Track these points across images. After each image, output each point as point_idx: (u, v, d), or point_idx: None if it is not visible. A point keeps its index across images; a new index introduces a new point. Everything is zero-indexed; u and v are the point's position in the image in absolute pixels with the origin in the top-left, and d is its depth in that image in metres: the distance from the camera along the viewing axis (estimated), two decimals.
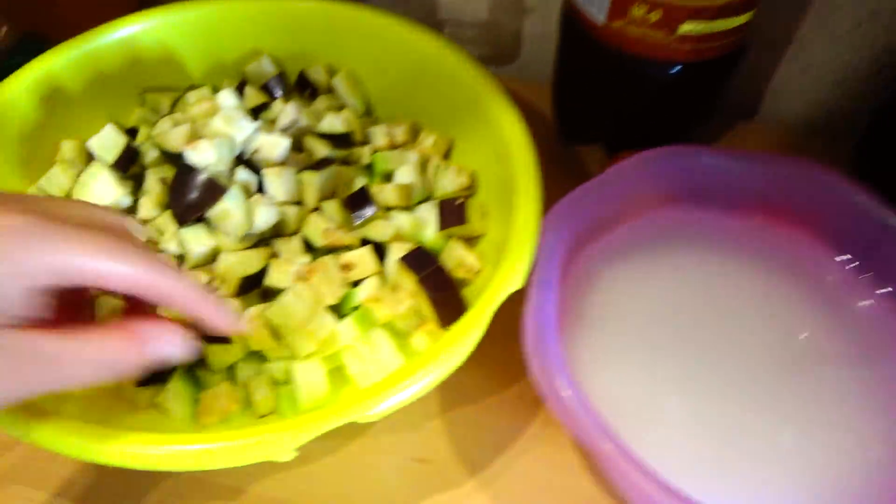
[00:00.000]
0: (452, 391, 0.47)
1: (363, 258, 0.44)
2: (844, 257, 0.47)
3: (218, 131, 0.44)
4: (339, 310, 0.44)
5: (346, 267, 0.44)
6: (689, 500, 0.32)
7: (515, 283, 0.38)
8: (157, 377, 0.42)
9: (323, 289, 0.43)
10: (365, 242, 0.46)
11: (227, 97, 0.47)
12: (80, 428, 0.33)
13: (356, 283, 0.44)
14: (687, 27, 0.45)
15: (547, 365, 0.36)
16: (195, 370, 0.42)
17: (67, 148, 0.48)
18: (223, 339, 0.40)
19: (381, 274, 0.45)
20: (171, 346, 0.30)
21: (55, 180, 0.46)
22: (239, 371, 0.43)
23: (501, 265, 0.39)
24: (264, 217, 0.44)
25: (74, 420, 0.34)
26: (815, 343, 0.45)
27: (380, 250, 0.46)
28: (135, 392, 0.41)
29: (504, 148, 0.45)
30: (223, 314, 0.32)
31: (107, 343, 0.29)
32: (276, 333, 0.42)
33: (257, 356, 0.43)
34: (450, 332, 0.36)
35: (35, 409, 0.33)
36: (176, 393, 0.41)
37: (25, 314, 0.27)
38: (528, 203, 0.41)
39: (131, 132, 0.51)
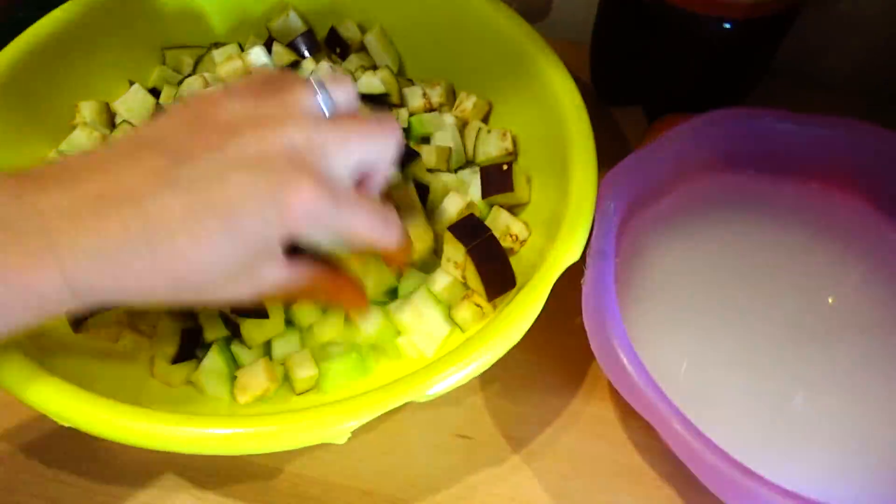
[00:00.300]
0: (493, 366, 0.45)
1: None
2: None
3: None
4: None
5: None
6: (760, 477, 0.31)
7: (574, 255, 0.36)
8: (190, 354, 0.40)
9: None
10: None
11: (258, 55, 0.44)
12: (127, 411, 0.31)
13: None
14: None
15: (610, 340, 0.34)
16: (230, 346, 0.40)
17: (87, 109, 0.45)
18: (259, 314, 0.38)
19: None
20: None
21: (77, 143, 0.43)
22: (276, 347, 0.41)
23: (559, 236, 0.37)
24: None
25: (112, 400, 0.32)
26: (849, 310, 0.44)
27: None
28: (169, 370, 0.39)
29: (553, 110, 0.42)
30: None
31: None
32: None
33: (295, 331, 0.41)
34: (511, 307, 0.34)
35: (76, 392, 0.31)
36: (213, 370, 0.39)
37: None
38: (584, 170, 0.39)
39: (152, 92, 0.48)
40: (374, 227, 0.31)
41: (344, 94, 0.32)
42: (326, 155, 0.29)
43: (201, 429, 0.31)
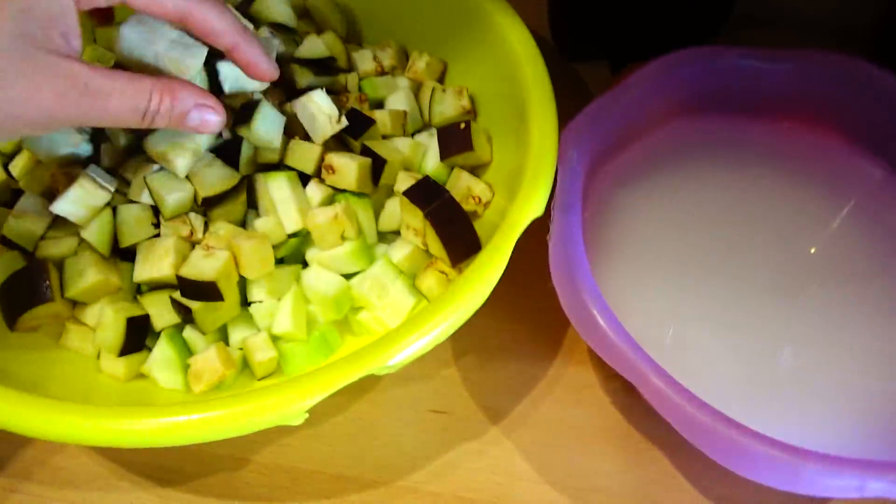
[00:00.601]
0: (464, 336, 0.43)
1: (348, 165, 0.39)
2: (880, 165, 0.43)
3: (171, 63, 0.38)
4: None
5: (328, 168, 0.39)
6: (738, 425, 0.29)
7: (537, 210, 0.34)
8: (139, 344, 0.37)
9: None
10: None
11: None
12: (75, 409, 0.29)
13: None
14: None
15: (580, 296, 0.32)
16: (182, 334, 0.38)
17: None
18: (213, 296, 0.36)
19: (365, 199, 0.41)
20: (206, 112, 0.33)
21: None
22: (232, 332, 0.38)
23: (520, 191, 0.35)
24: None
25: (61, 401, 0.29)
26: (832, 257, 0.43)
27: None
28: (116, 364, 0.37)
29: (510, 64, 0.40)
30: (265, 58, 0.35)
31: (149, 89, 0.31)
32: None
33: (249, 317, 0.39)
34: (472, 268, 0.32)
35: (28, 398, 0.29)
36: (164, 359, 0.37)
37: (78, 46, 0.30)
38: (544, 122, 0.37)
39: None
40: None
41: None
42: None
43: (150, 420, 0.29)
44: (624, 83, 0.40)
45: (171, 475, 0.39)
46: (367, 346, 0.30)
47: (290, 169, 0.40)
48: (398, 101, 0.44)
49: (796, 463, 0.28)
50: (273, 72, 0.35)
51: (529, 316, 0.45)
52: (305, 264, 0.40)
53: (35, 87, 0.28)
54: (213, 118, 0.33)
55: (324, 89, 0.40)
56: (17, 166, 0.40)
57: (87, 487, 0.39)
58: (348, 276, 0.40)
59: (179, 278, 0.36)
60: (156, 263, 0.37)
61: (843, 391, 0.39)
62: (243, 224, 0.39)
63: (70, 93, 0.29)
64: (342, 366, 0.29)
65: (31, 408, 0.30)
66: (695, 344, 0.40)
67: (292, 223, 0.38)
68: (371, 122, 0.41)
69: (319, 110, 0.39)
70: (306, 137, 0.41)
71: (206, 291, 0.36)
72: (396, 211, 0.40)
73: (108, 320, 0.36)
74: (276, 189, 0.38)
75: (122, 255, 0.39)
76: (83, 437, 0.29)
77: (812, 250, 0.44)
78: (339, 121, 0.40)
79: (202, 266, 0.35)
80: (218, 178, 0.37)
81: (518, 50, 0.40)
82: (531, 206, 0.34)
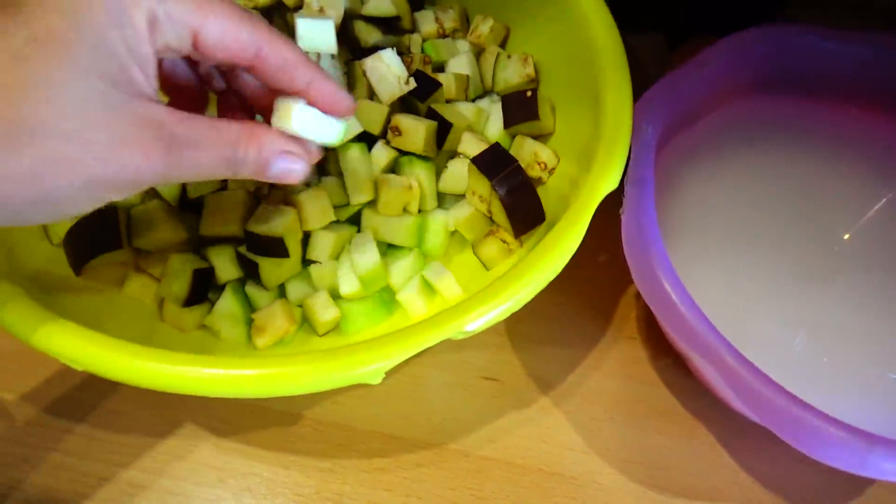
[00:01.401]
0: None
1: (415, 127, 0.38)
2: None
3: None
4: None
5: (395, 129, 0.39)
6: (811, 408, 0.29)
7: (612, 183, 0.34)
8: (202, 296, 0.37)
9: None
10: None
11: None
12: (158, 354, 0.29)
13: None
14: None
15: (657, 274, 0.32)
16: (245, 288, 0.38)
17: None
18: (279, 252, 0.36)
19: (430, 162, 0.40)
20: (291, 161, 0.29)
21: None
22: (291, 290, 0.39)
23: (595, 163, 0.34)
24: None
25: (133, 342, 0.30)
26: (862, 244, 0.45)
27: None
28: (180, 314, 0.37)
29: (579, 29, 0.40)
30: (340, 93, 0.30)
31: (235, 136, 0.27)
32: None
33: (307, 275, 0.39)
34: (550, 237, 0.32)
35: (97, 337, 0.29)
36: (227, 313, 0.37)
37: (156, 83, 0.26)
38: (618, 92, 0.36)
39: None
40: None
41: None
42: None
43: (235, 370, 0.29)
44: (697, 58, 0.39)
45: (227, 426, 0.40)
46: (446, 311, 0.30)
47: None
48: (460, 64, 0.44)
49: (867, 448, 0.28)
50: (352, 104, 0.31)
51: (580, 289, 0.45)
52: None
53: (120, 142, 0.24)
54: (297, 167, 0.29)
55: (394, 49, 0.39)
56: None
57: (145, 433, 0.39)
58: (392, 248, 0.40)
59: (247, 233, 0.36)
60: (223, 216, 0.37)
61: (861, 379, 0.40)
62: (308, 183, 0.39)
63: (156, 146, 0.25)
64: (422, 328, 0.29)
65: (106, 347, 0.29)
66: (738, 320, 0.39)
67: (360, 195, 0.38)
68: (438, 84, 0.41)
69: (389, 70, 0.39)
70: (370, 97, 0.41)
71: (274, 247, 0.36)
72: (459, 173, 0.40)
73: (174, 270, 0.36)
74: (349, 159, 0.38)
75: (189, 207, 0.38)
76: (164, 381, 0.29)
77: (846, 236, 0.45)
78: (407, 82, 0.39)
79: (271, 221, 0.35)
80: None
81: (590, 16, 0.40)
82: (607, 180, 0.34)
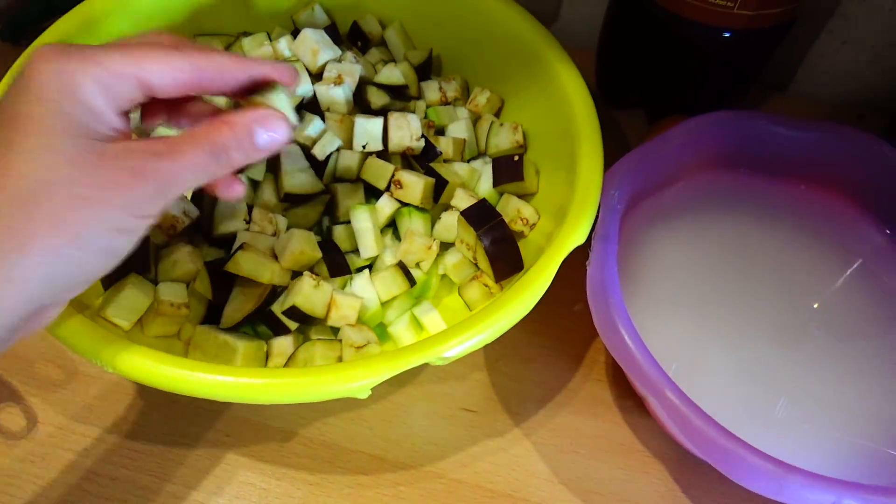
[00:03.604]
0: (496, 345, 0.47)
1: (415, 182, 0.44)
2: (884, 231, 0.48)
3: None
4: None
5: (397, 183, 0.44)
6: (737, 439, 0.33)
7: (580, 237, 0.39)
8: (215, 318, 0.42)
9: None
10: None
11: (285, 45, 0.47)
12: (166, 358, 0.33)
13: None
14: None
15: (613, 318, 0.37)
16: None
17: None
18: (312, 322, 0.42)
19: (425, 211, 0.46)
20: (278, 127, 0.31)
21: None
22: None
23: (566, 220, 0.40)
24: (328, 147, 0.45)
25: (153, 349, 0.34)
26: (833, 313, 0.47)
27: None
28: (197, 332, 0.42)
29: (563, 105, 0.45)
30: (286, 68, 0.33)
31: (217, 134, 0.29)
32: None
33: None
34: (523, 281, 0.37)
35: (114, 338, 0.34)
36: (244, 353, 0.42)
37: (121, 125, 0.28)
38: (591, 160, 0.42)
39: None
40: None
41: None
42: None
43: (237, 378, 0.33)
44: (663, 136, 0.45)
45: (227, 439, 0.44)
46: (427, 339, 0.35)
47: (364, 182, 0.45)
48: (458, 129, 0.50)
49: (783, 475, 0.33)
50: (295, 71, 0.33)
51: (556, 333, 0.49)
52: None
53: (102, 185, 0.27)
54: (279, 132, 0.31)
55: (414, 113, 0.46)
56: None
57: (156, 441, 0.44)
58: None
59: (293, 307, 0.40)
60: (258, 268, 0.41)
61: (831, 446, 0.42)
62: (319, 225, 0.45)
63: (137, 171, 0.27)
64: (406, 352, 0.34)
65: (131, 352, 0.34)
66: (700, 375, 0.43)
67: (368, 251, 0.44)
68: (438, 153, 0.46)
69: (408, 126, 0.45)
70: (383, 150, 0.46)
71: (310, 320, 0.41)
72: (450, 224, 0.45)
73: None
74: (360, 220, 0.44)
75: (216, 242, 0.44)
76: (175, 384, 0.34)
77: (815, 305, 0.48)
78: (418, 139, 0.45)
79: (314, 299, 0.41)
80: (305, 180, 0.43)
81: (572, 94, 0.45)
82: (576, 234, 0.39)
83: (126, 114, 0.29)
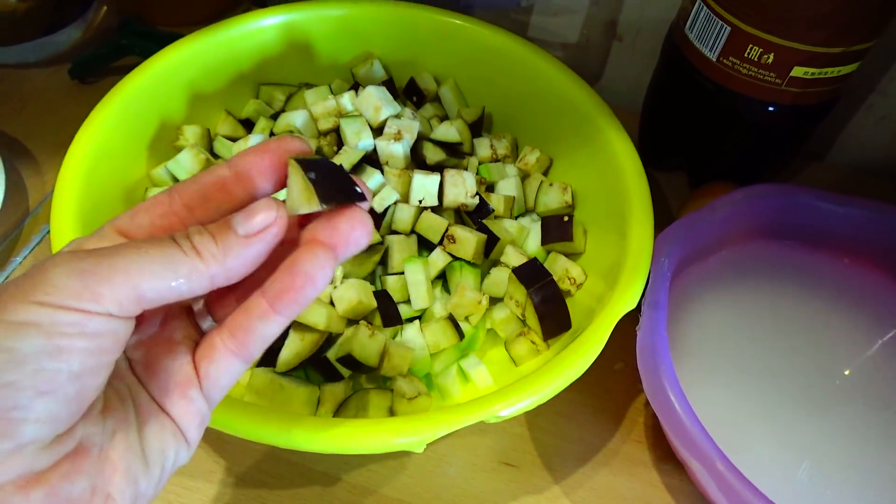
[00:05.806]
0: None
1: (468, 238, 0.45)
2: None
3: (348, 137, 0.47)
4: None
5: (451, 238, 0.46)
6: None
7: (632, 303, 0.40)
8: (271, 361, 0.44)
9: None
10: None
11: (348, 101, 0.49)
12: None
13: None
14: (798, 71, 0.47)
15: (663, 383, 0.38)
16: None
17: (190, 132, 0.50)
18: (366, 370, 0.43)
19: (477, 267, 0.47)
20: (259, 211, 0.24)
21: (184, 162, 0.48)
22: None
23: (619, 284, 0.41)
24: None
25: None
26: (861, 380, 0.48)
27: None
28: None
29: (613, 168, 0.47)
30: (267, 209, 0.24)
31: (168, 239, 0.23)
32: None
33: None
34: (576, 344, 0.38)
35: None
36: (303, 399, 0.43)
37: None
38: (643, 226, 0.43)
39: (244, 123, 0.53)
40: None
41: None
42: None
43: (301, 427, 0.34)
44: (710, 206, 0.46)
45: (271, 480, 0.45)
46: (484, 397, 0.35)
47: (419, 234, 0.47)
48: (508, 187, 0.51)
49: None
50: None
51: (596, 392, 0.50)
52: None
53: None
54: (268, 213, 0.24)
55: (468, 170, 0.47)
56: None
57: (202, 478, 0.44)
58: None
59: (348, 355, 0.42)
60: (310, 312, 0.43)
61: None
62: (372, 275, 0.46)
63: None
64: (463, 409, 0.35)
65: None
66: (739, 441, 0.44)
67: (420, 302, 0.45)
68: (492, 210, 0.48)
69: (464, 183, 0.46)
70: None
71: (363, 368, 0.42)
72: (500, 280, 0.46)
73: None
74: (414, 272, 0.45)
75: None
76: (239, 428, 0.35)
77: (847, 371, 0.49)
78: (473, 196, 0.47)
79: (369, 348, 0.42)
80: None
81: (622, 158, 0.47)
82: (628, 299, 0.40)
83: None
